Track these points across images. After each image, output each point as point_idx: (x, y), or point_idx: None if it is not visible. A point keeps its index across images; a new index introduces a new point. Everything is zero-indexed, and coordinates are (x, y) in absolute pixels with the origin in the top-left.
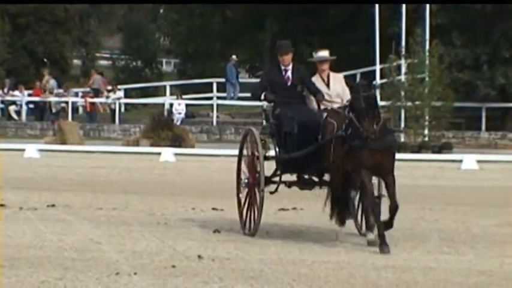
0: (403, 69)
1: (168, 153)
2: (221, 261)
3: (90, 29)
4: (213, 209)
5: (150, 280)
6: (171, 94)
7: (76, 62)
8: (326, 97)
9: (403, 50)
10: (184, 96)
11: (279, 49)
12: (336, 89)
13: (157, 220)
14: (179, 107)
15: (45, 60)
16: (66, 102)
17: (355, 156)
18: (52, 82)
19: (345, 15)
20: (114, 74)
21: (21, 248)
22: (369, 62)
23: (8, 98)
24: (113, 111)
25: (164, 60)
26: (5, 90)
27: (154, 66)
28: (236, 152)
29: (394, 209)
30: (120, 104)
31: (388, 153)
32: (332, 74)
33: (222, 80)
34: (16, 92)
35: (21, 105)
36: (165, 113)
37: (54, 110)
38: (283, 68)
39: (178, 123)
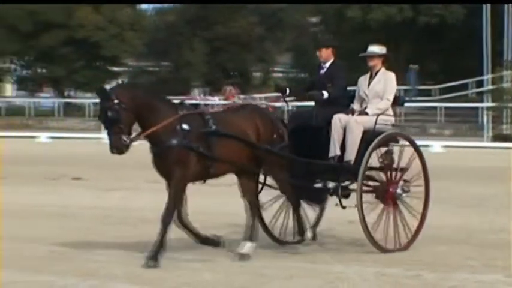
0: (507, 78)
1: None
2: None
3: (267, 49)
4: None
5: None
6: None
7: (255, 74)
8: (363, 96)
9: (506, 63)
10: None
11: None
12: (374, 88)
13: None
14: None
15: (234, 73)
16: None
17: None
18: (197, 91)
19: (461, 39)
20: (286, 83)
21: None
22: (477, 73)
23: (204, 102)
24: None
25: None
26: (202, 95)
27: None
28: None
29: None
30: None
31: (166, 158)
32: (382, 72)
33: None
34: (210, 97)
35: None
36: None
37: None
38: (322, 64)
39: None
